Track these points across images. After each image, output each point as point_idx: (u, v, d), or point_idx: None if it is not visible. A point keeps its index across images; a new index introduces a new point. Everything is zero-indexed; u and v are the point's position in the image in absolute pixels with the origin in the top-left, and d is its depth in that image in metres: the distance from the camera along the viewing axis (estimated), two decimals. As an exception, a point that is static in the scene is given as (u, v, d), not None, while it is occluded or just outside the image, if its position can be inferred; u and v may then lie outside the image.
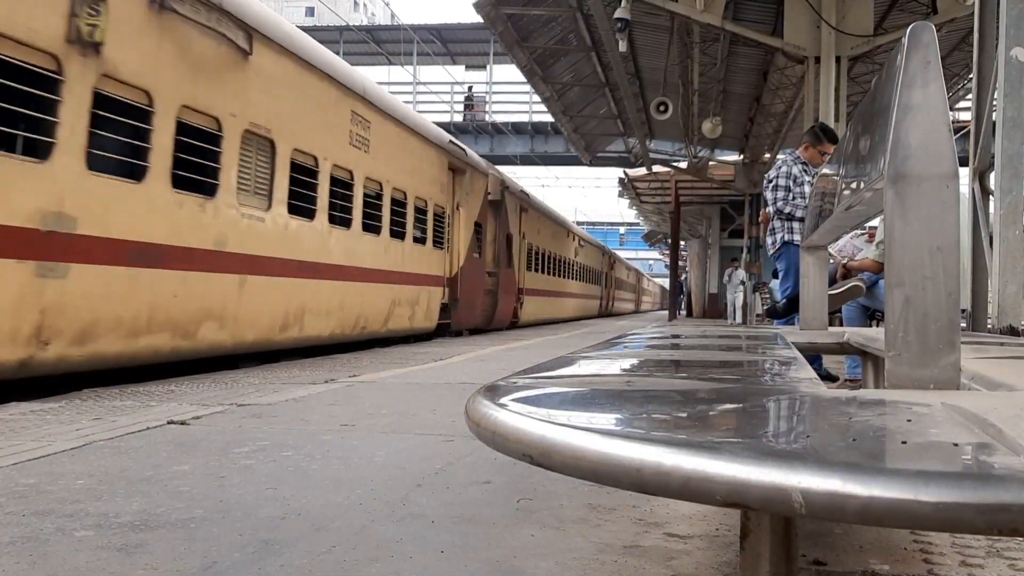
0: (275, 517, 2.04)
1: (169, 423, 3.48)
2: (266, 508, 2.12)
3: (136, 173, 5.54)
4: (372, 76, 10.14)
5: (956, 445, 0.74)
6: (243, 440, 3.11)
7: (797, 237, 5.78)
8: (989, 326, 4.79)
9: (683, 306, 31.15)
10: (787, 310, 5.84)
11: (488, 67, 30.10)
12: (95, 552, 1.75)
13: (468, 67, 30.97)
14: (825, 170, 4.02)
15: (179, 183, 5.93)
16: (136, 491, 2.28)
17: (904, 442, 0.77)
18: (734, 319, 20.25)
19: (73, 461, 2.69)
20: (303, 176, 7.79)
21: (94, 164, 5.10)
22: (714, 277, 28.47)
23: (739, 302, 20.09)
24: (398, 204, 10.35)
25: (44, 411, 3.84)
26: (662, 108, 15.36)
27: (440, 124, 14.09)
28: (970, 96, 5.61)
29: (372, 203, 9.54)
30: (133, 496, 2.23)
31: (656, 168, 23.08)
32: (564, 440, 0.77)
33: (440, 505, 2.18)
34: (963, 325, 5.27)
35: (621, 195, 31.75)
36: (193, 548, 1.78)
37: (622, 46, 11.78)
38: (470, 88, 29.96)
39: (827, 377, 5.74)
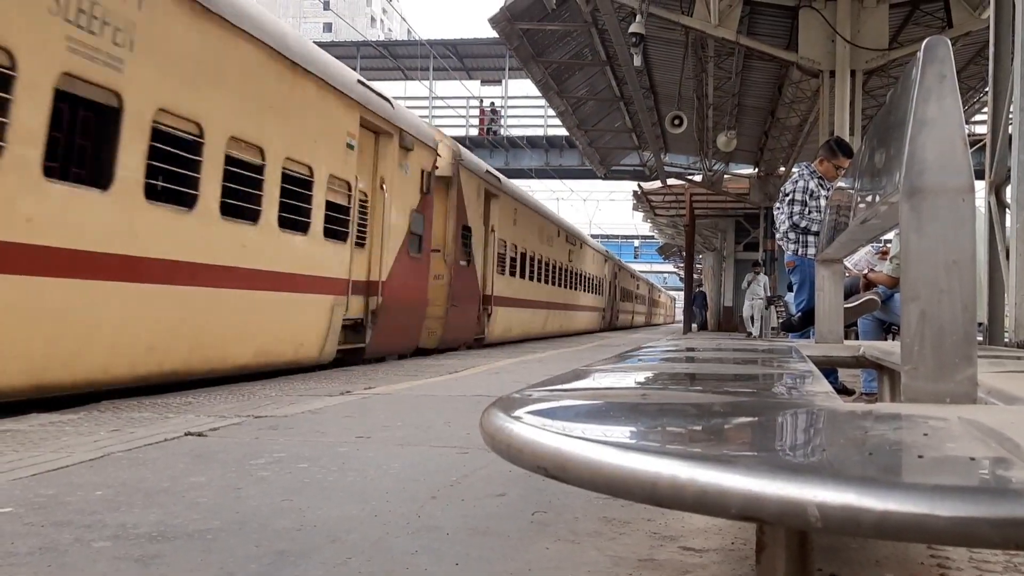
0: (291, 529, 2.04)
1: (186, 435, 3.51)
2: (282, 520, 2.13)
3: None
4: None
5: (973, 459, 0.74)
6: (260, 452, 3.12)
7: (812, 251, 5.76)
8: (1006, 340, 4.74)
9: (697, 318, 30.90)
10: (802, 323, 5.82)
11: (504, 82, 30.24)
12: (113, 563, 1.77)
13: (484, 82, 31.11)
14: (840, 184, 4.01)
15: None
16: (153, 502, 2.30)
17: (920, 456, 0.77)
18: (751, 332, 18.70)
19: (91, 472, 2.71)
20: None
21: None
22: (729, 290, 28.34)
23: (757, 312, 18.73)
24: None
25: (63, 422, 3.87)
26: (677, 122, 15.35)
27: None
28: (986, 109, 5.58)
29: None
30: (150, 507, 2.24)
31: (671, 181, 23.06)
32: (579, 453, 0.77)
33: (455, 517, 2.18)
34: (979, 339, 5.23)
35: (635, 208, 31.75)
36: (209, 559, 1.79)
37: (637, 60, 11.82)
38: (492, 104, 30.15)
39: (843, 391, 5.70)
